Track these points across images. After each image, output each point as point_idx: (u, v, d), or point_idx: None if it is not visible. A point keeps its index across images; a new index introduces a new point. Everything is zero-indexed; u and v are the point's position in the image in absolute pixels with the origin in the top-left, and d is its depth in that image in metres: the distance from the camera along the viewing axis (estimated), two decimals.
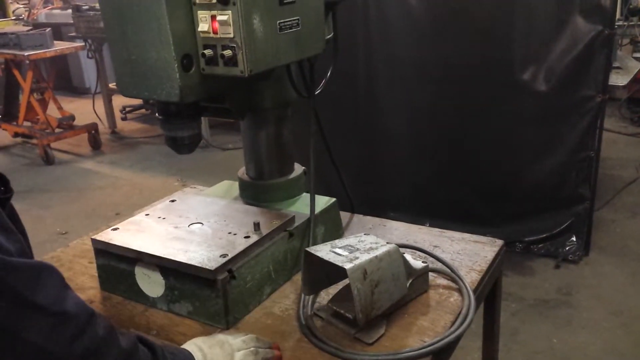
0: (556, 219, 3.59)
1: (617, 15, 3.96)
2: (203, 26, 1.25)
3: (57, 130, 6.09)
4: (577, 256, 3.57)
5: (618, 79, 4.24)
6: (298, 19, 1.37)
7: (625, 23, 4.76)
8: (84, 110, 7.06)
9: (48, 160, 5.91)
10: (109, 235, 1.47)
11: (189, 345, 1.18)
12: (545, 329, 3.02)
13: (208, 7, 1.24)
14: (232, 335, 1.24)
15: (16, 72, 6.03)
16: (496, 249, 1.64)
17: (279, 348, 1.26)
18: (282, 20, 1.33)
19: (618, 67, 4.53)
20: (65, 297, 0.90)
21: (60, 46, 5.97)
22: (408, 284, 1.36)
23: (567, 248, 3.59)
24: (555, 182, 3.53)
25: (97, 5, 1.31)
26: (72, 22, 6.29)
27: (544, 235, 3.63)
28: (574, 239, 3.59)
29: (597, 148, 3.41)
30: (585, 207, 3.53)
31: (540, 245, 3.66)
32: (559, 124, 3.39)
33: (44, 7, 7.77)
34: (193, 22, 1.26)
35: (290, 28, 1.36)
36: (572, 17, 3.18)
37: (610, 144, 5.10)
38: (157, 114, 1.42)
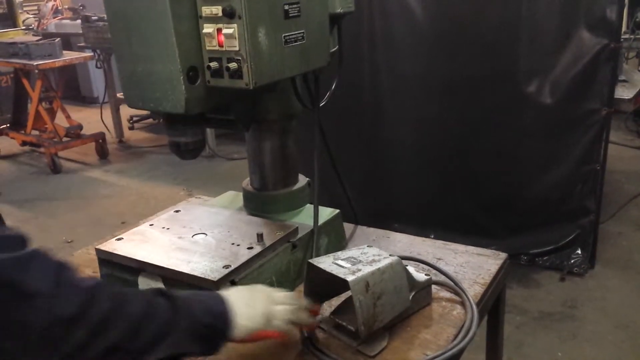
0: (561, 231, 3.58)
1: (623, 29, 3.96)
2: (209, 39, 1.27)
3: (64, 139, 6.12)
4: (582, 269, 3.55)
5: (624, 92, 4.23)
6: (303, 32, 1.38)
7: (632, 36, 4.76)
8: (92, 120, 7.11)
9: (55, 169, 5.94)
10: (113, 245, 1.48)
11: (230, 291, 1.17)
12: (550, 342, 3.00)
13: (214, 20, 1.25)
14: (273, 289, 1.25)
15: (25, 82, 6.09)
16: (500, 261, 1.64)
17: (317, 312, 1.27)
18: (287, 34, 1.34)
19: (624, 80, 4.52)
20: (60, 279, 0.91)
21: (69, 56, 6.01)
22: (411, 297, 1.36)
23: (572, 261, 3.58)
24: (561, 194, 3.52)
25: None
26: (81, 32, 6.35)
27: (549, 248, 3.62)
28: (579, 251, 3.57)
29: (603, 161, 3.40)
30: (591, 220, 3.52)
31: (545, 258, 3.64)
32: (565, 137, 3.39)
33: (54, 18, 7.83)
34: (199, 35, 1.27)
35: (296, 41, 1.37)
36: (578, 30, 3.18)
37: (616, 157, 5.07)
38: (161, 120, 1.44)
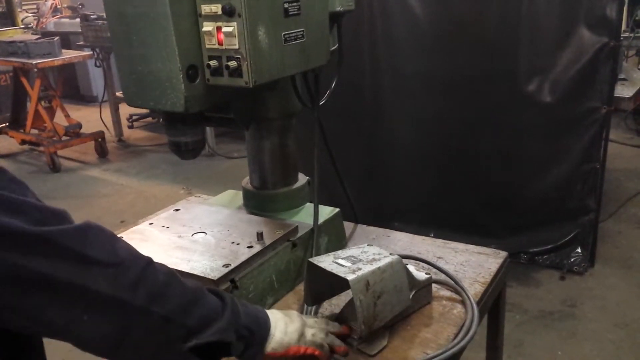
0: (561, 230, 3.58)
1: (623, 27, 3.95)
2: (208, 37, 1.26)
3: (64, 138, 6.12)
4: (582, 268, 3.55)
5: (624, 91, 4.23)
6: (303, 31, 1.38)
7: (631, 35, 4.75)
8: (91, 119, 7.11)
9: (55, 167, 5.94)
10: None
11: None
12: (549, 341, 3.00)
13: (214, 18, 1.24)
14: (304, 314, 1.28)
15: (24, 80, 6.08)
16: (500, 260, 1.63)
17: (347, 332, 1.29)
18: (287, 32, 1.34)
19: (624, 79, 4.52)
20: (116, 249, 0.96)
21: (68, 55, 6.02)
22: (411, 296, 1.36)
23: (572, 259, 3.58)
24: (561, 193, 3.52)
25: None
26: (80, 31, 6.35)
27: (549, 247, 3.62)
28: (579, 250, 3.57)
29: (603, 159, 3.40)
30: (591, 219, 3.52)
31: (545, 257, 3.64)
32: (565, 136, 3.39)
33: (53, 16, 7.83)
34: (198, 34, 1.27)
35: (295, 39, 1.36)
36: (578, 28, 3.18)
37: (616, 156, 5.08)
38: (161, 119, 1.43)
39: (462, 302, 1.43)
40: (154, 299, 0.96)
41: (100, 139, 6.29)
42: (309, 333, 1.20)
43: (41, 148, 6.19)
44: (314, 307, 1.42)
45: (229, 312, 1.06)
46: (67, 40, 7.06)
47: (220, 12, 1.23)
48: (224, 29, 1.23)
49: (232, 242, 1.45)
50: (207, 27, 1.25)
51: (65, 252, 0.89)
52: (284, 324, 1.17)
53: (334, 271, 1.26)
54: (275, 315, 1.18)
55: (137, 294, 0.94)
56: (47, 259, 0.87)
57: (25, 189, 0.94)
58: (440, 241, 1.76)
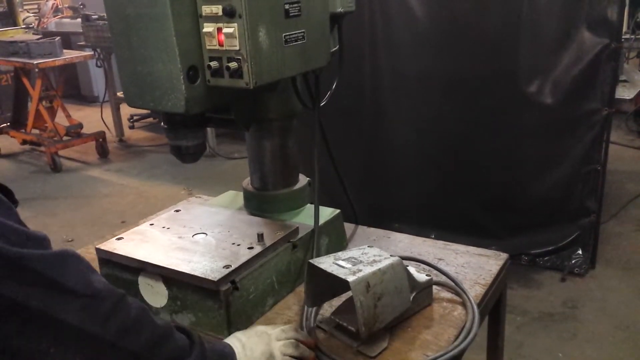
0: (562, 231, 3.58)
1: (624, 29, 3.95)
2: (209, 38, 1.26)
3: (65, 138, 6.13)
4: (583, 269, 3.55)
5: (625, 92, 4.22)
6: (303, 32, 1.38)
7: (632, 36, 4.75)
8: (92, 119, 7.11)
9: (55, 167, 5.94)
10: (113, 245, 1.48)
11: (229, 339, 1.22)
12: (550, 343, 3.00)
13: (214, 19, 1.25)
14: (270, 326, 1.27)
15: (25, 80, 6.09)
16: (501, 262, 1.63)
17: (313, 344, 1.28)
18: (287, 33, 1.34)
19: (625, 81, 4.51)
20: (92, 280, 0.94)
21: (69, 55, 6.02)
22: (411, 297, 1.36)
23: (573, 261, 3.57)
24: (561, 194, 3.51)
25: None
26: (81, 31, 6.35)
27: (550, 248, 3.61)
28: (580, 252, 3.57)
29: (604, 161, 3.40)
30: (592, 220, 3.51)
31: (546, 258, 3.64)
32: (565, 137, 3.39)
33: (54, 16, 7.83)
34: (199, 35, 1.27)
35: (296, 41, 1.36)
36: (579, 30, 3.18)
37: (617, 157, 5.07)
38: (162, 123, 1.43)
39: (463, 304, 1.43)
40: (124, 334, 0.94)
41: (101, 139, 6.29)
42: (277, 351, 1.20)
43: (42, 148, 6.19)
44: (314, 309, 1.41)
45: (197, 350, 1.07)
46: (68, 41, 7.07)
47: (220, 13, 1.23)
48: (225, 30, 1.23)
49: (233, 243, 1.45)
50: (208, 28, 1.25)
51: (40, 278, 0.86)
52: (250, 351, 1.17)
53: (335, 272, 1.26)
54: (240, 343, 1.18)
55: (108, 327, 0.93)
56: (20, 284, 0.85)
57: (7, 209, 0.92)
58: (440, 243, 1.75)
